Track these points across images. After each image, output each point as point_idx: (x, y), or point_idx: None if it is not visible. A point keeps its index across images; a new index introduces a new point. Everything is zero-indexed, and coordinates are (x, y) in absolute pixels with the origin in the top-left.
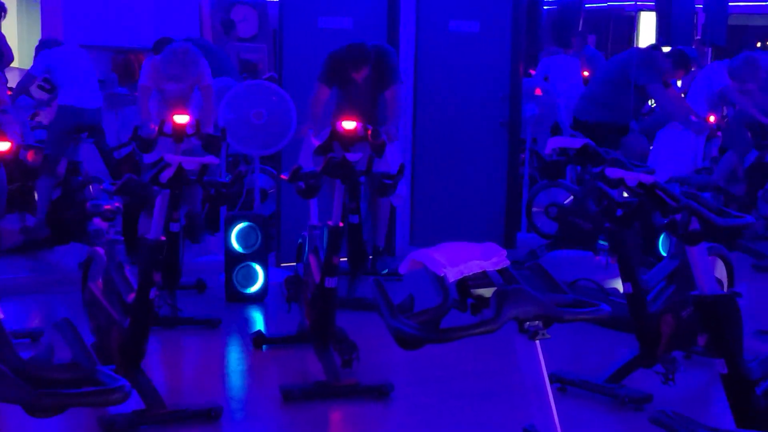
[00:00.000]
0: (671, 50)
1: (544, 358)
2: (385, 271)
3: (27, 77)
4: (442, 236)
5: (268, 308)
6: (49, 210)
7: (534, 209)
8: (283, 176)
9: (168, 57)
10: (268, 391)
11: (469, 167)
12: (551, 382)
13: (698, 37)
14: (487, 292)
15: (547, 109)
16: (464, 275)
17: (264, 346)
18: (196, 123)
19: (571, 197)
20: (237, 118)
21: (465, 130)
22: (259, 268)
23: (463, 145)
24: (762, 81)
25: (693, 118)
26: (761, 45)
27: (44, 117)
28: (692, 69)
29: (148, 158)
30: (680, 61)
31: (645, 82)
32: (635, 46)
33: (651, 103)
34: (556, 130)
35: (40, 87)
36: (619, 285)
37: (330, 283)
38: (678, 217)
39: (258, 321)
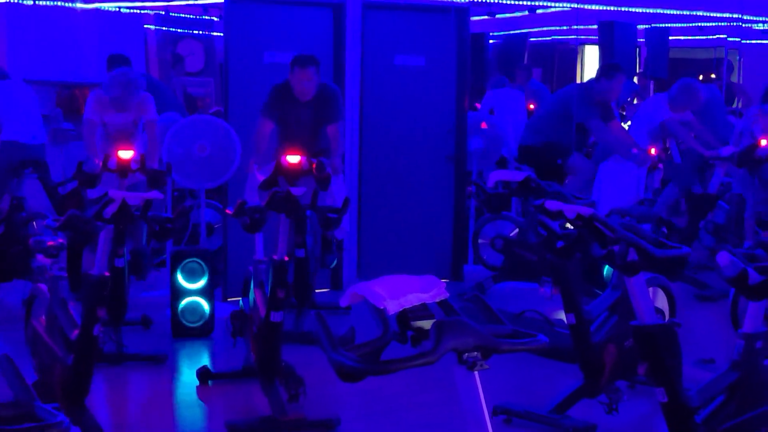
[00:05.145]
0: (599, 66)
1: (490, 389)
2: (334, 263)
3: None
4: (390, 269)
5: (214, 343)
6: None
7: (480, 241)
8: (228, 211)
9: (109, 81)
10: (214, 427)
11: (415, 200)
12: (497, 413)
13: (641, 70)
14: (426, 324)
15: (493, 143)
16: (404, 307)
17: (210, 382)
18: (141, 158)
19: (517, 229)
20: (182, 152)
21: (411, 163)
22: (205, 303)
23: (410, 178)
24: (699, 107)
25: (634, 150)
26: (703, 78)
27: None
28: (634, 100)
29: (93, 194)
30: (608, 72)
31: (583, 119)
32: (578, 79)
33: None
34: (502, 164)
35: None
36: (564, 316)
37: (275, 317)
38: (616, 248)
39: (204, 356)
